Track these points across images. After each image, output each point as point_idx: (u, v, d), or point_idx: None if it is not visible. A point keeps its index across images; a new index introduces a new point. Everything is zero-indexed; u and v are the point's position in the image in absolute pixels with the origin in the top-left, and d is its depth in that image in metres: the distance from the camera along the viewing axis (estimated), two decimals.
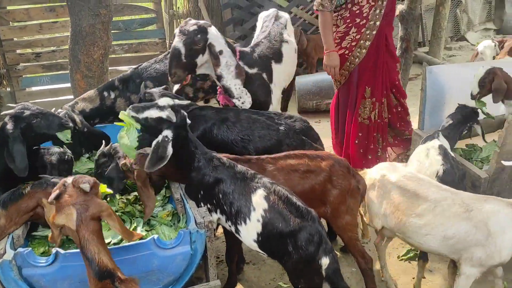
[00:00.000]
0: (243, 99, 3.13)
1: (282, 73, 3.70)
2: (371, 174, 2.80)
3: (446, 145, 3.00)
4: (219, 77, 3.16)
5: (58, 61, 6.08)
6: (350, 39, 3.75)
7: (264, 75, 3.51)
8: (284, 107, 4.26)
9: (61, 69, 5.96)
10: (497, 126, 3.59)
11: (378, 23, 3.69)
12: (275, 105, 3.55)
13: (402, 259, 3.27)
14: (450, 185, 2.61)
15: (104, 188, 1.98)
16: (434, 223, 2.40)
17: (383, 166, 2.84)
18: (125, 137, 2.37)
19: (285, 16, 4.01)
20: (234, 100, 3.12)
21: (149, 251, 2.18)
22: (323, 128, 5.50)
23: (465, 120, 3.20)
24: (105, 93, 3.46)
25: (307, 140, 3.15)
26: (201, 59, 3.11)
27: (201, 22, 3.10)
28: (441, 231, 2.38)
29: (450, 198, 2.42)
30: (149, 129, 2.38)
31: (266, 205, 2.28)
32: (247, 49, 3.57)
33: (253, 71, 3.46)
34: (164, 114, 2.34)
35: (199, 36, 3.01)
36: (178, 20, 6.55)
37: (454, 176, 2.81)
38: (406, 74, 4.51)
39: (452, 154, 2.99)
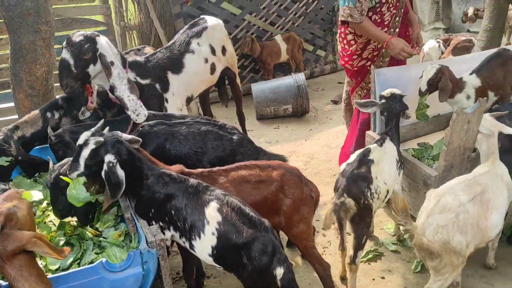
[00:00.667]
0: (138, 112, 3.07)
1: (184, 83, 3.74)
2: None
3: (390, 149, 3.03)
4: (112, 88, 3.12)
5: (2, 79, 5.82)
6: (372, 49, 3.76)
7: (157, 86, 3.56)
8: (209, 114, 4.71)
9: (6, 88, 5.70)
10: (446, 124, 3.68)
11: (397, 30, 3.75)
12: (184, 110, 3.61)
13: (361, 261, 3.30)
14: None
15: (28, 195, 1.87)
16: None
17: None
18: (74, 193, 2.37)
19: (205, 24, 4.02)
20: (129, 113, 3.06)
21: (98, 275, 2.09)
22: (282, 134, 5.55)
23: (393, 111, 3.17)
24: (49, 114, 3.34)
25: (261, 148, 3.15)
26: (93, 69, 3.10)
27: (89, 32, 3.11)
28: None
29: None
30: (93, 171, 2.35)
31: (219, 218, 2.24)
32: (141, 59, 3.59)
33: (146, 81, 3.51)
34: (92, 145, 2.30)
35: (86, 46, 3.01)
36: (131, 32, 6.44)
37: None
38: None
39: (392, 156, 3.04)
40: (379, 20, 3.66)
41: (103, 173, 2.28)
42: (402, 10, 3.71)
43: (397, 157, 3.08)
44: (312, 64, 7.45)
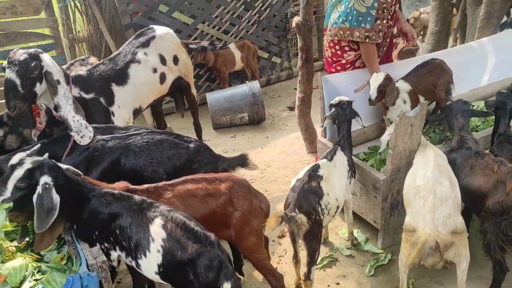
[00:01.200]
0: (83, 133, 2.91)
1: (130, 94, 3.66)
2: None
3: (341, 161, 3.06)
4: (57, 107, 2.97)
5: None
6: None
7: (102, 100, 3.48)
8: (163, 125, 4.80)
9: None
10: None
11: (388, 39, 3.93)
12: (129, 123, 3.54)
13: (317, 268, 3.30)
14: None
15: None
16: None
17: None
18: None
19: (153, 33, 3.96)
20: (73, 134, 2.91)
21: None
22: (238, 143, 5.52)
23: (343, 118, 3.21)
24: None
25: (219, 155, 3.11)
26: (40, 88, 2.97)
27: (31, 50, 2.97)
28: None
29: None
30: (22, 195, 2.20)
31: (164, 234, 2.19)
32: (83, 72, 3.51)
33: (90, 96, 3.42)
34: (29, 164, 2.19)
35: (32, 64, 2.88)
36: (80, 44, 6.27)
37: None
38: (310, 83, 4.61)
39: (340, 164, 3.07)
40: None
41: (35, 197, 2.14)
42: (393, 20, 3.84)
43: (348, 167, 3.12)
44: (268, 71, 7.47)
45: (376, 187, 3.18)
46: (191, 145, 2.97)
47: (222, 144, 5.50)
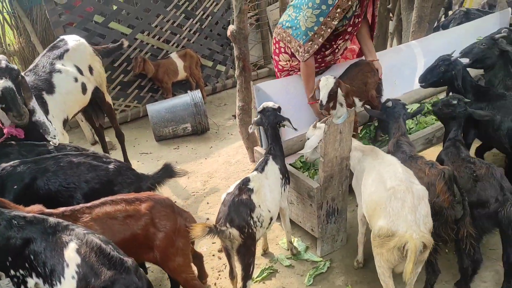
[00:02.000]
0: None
1: (59, 103, 3.58)
2: None
3: (273, 171, 3.01)
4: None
5: None
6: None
7: None
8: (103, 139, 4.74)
9: None
10: None
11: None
12: (60, 137, 3.38)
13: (256, 281, 3.23)
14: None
15: None
16: None
17: None
18: None
19: (65, 46, 3.87)
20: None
21: None
22: (181, 154, 5.39)
23: (268, 125, 3.15)
24: None
25: (143, 174, 2.98)
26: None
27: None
28: None
29: None
30: None
31: (78, 259, 2.06)
32: None
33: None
34: None
35: (15, 69, 2.91)
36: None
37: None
38: (249, 92, 4.55)
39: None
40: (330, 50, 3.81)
41: None
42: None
43: (281, 175, 3.07)
44: (213, 80, 7.38)
45: (311, 195, 3.15)
46: (111, 166, 2.85)
47: (164, 157, 5.35)
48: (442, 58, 3.69)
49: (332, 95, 3.39)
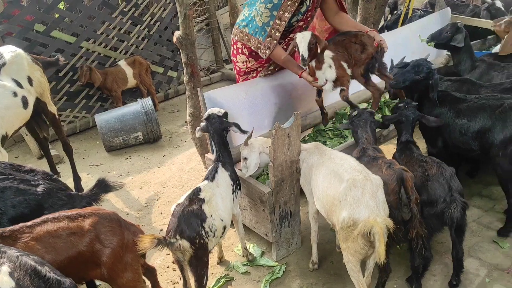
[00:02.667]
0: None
1: None
2: None
3: (223, 179, 2.98)
4: None
5: None
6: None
7: None
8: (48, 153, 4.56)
9: None
10: None
11: None
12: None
13: None
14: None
15: None
16: None
17: None
18: None
19: (1, 60, 3.68)
20: None
21: None
22: (134, 165, 5.26)
23: (214, 131, 3.10)
24: None
25: (77, 194, 2.85)
26: None
27: None
28: None
29: None
30: None
31: (13, 284, 1.93)
32: None
33: None
34: None
35: None
36: None
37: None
38: (197, 97, 4.50)
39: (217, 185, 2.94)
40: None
41: None
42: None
43: (232, 181, 3.04)
44: (165, 86, 7.27)
45: (263, 200, 3.14)
46: (39, 189, 2.69)
47: (116, 168, 5.20)
48: (423, 63, 3.48)
49: (312, 48, 3.20)
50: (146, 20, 6.69)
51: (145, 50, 6.82)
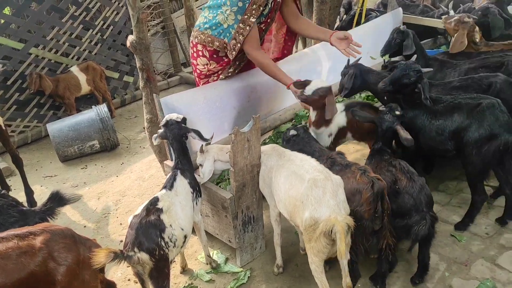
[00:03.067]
0: None
1: None
2: None
3: (182, 187, 2.90)
4: None
5: None
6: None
7: None
8: None
9: None
10: None
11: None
12: None
13: None
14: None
15: None
16: None
17: None
18: None
19: None
20: None
21: None
22: (90, 174, 5.08)
23: (173, 138, 3.01)
24: None
25: (29, 210, 2.70)
26: None
27: None
28: None
29: None
30: None
31: None
32: None
33: None
34: None
35: None
36: None
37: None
38: (154, 103, 4.39)
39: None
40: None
41: None
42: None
43: (192, 189, 2.97)
44: (121, 92, 7.08)
45: (225, 206, 3.09)
46: None
47: (71, 178, 5.00)
48: (412, 66, 3.39)
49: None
50: (98, 24, 6.50)
51: (98, 55, 6.62)
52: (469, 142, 3.18)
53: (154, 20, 7.46)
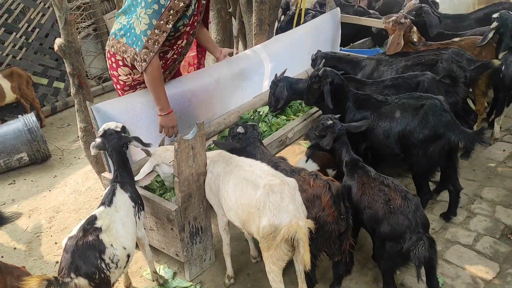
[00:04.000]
0: None
1: None
2: None
3: (123, 202, 2.68)
4: None
5: None
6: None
7: None
8: None
9: None
10: None
11: (173, 72, 3.71)
12: None
13: None
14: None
15: None
16: None
17: None
18: None
19: None
20: None
21: None
22: (19, 190, 4.67)
23: (112, 149, 2.80)
24: None
25: None
26: None
27: None
28: None
29: None
30: None
31: None
32: None
33: None
34: None
35: None
36: None
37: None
38: (88, 110, 4.09)
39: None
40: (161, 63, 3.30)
41: None
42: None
43: (133, 202, 2.76)
44: (51, 99, 6.61)
45: (170, 219, 2.90)
46: None
47: None
48: (315, 73, 3.49)
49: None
50: (22, 27, 6.02)
51: (24, 60, 6.14)
52: (414, 144, 3.20)
53: (85, 22, 7.05)
